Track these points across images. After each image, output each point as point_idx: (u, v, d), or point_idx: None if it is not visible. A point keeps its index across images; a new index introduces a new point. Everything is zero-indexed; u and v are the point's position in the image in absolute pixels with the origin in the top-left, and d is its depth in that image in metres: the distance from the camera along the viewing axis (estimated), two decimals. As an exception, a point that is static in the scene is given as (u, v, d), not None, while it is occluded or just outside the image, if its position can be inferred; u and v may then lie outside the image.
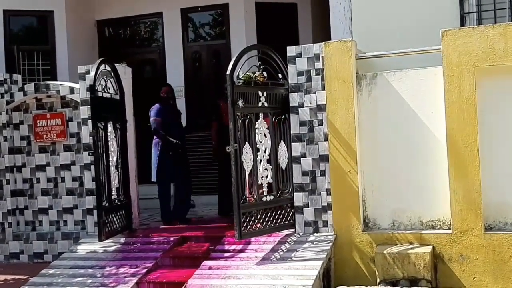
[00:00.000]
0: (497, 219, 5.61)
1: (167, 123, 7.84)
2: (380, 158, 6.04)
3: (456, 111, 5.56)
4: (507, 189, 5.57)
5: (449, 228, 5.68)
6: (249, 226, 6.14)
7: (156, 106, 7.96)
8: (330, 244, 5.97)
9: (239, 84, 6.15)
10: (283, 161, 6.43)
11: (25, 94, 7.99)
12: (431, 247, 5.61)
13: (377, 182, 6.05)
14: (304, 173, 6.32)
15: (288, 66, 6.40)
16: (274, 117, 6.40)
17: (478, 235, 5.48)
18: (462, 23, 6.76)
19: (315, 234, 6.23)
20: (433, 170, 5.80)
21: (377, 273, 5.67)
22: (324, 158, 6.21)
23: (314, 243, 6.08)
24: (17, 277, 7.01)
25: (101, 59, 7.25)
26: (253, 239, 6.38)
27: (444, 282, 5.54)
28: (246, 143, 6.17)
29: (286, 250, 6.11)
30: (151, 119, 7.86)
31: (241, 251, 6.28)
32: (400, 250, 5.61)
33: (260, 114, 6.32)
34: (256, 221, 6.20)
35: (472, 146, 5.51)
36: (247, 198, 6.21)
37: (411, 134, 5.92)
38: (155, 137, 7.88)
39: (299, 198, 6.33)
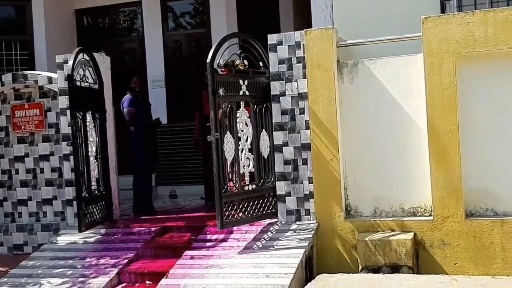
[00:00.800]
0: (478, 205, 5.64)
1: (140, 114, 7.79)
2: (361, 146, 6.04)
3: (437, 98, 5.57)
4: (487, 175, 5.61)
5: (430, 215, 5.70)
6: (231, 216, 6.12)
7: (128, 97, 7.89)
8: (312, 232, 5.96)
9: (220, 68, 6.10)
10: (265, 150, 6.40)
11: (2, 85, 7.85)
12: (412, 233, 5.63)
13: (358, 170, 6.05)
14: (286, 162, 6.30)
15: (269, 54, 6.36)
16: (255, 106, 6.37)
17: (459, 221, 5.51)
18: (443, 10, 6.77)
19: (298, 222, 6.22)
20: (414, 157, 5.82)
21: (359, 260, 5.68)
22: (306, 147, 6.19)
23: (297, 231, 6.07)
24: (-4, 269, 6.93)
25: (79, 48, 7.16)
26: (235, 228, 6.36)
27: (426, 269, 5.57)
28: (228, 132, 6.14)
29: (268, 239, 6.10)
30: (125, 110, 7.79)
31: (223, 240, 6.26)
32: (381, 237, 5.62)
33: (241, 103, 6.28)
34: (238, 210, 6.18)
35: (453, 133, 5.53)
36: (229, 188, 6.18)
37: (392, 121, 5.93)
38: (131, 128, 7.81)
39: (281, 187, 6.31)
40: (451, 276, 5.40)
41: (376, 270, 5.58)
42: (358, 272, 5.65)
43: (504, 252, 5.39)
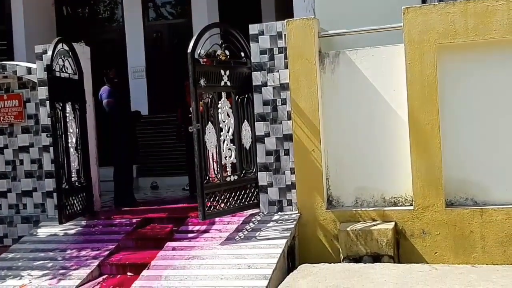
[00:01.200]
0: (458, 195, 5.69)
1: (119, 106, 7.74)
2: (343, 137, 6.05)
3: (418, 88, 5.60)
4: (467, 165, 5.65)
5: (411, 205, 5.74)
6: (213, 207, 6.11)
7: (106, 88, 7.84)
8: (294, 222, 5.97)
9: (202, 59, 6.06)
10: (246, 141, 6.39)
11: (-20, 75, 7.74)
12: (393, 223, 5.67)
13: (340, 161, 6.07)
14: (268, 153, 6.29)
15: (251, 44, 6.33)
16: (237, 97, 6.34)
17: (439, 211, 5.56)
18: (424, 1, 6.79)
19: (280, 213, 6.23)
20: (395, 147, 5.84)
21: (340, 250, 5.71)
22: (288, 137, 6.19)
23: (279, 222, 6.08)
24: (-25, 262, 6.84)
25: (58, 38, 7.06)
26: (217, 219, 6.35)
27: (406, 258, 5.61)
28: (209, 123, 6.12)
29: (250, 229, 6.10)
30: (104, 101, 7.72)
31: (205, 231, 6.25)
32: (363, 227, 5.65)
33: (223, 93, 6.26)
34: (220, 201, 6.17)
35: (433, 124, 5.56)
36: (211, 179, 6.17)
37: (373, 112, 5.94)
38: (112, 118, 7.75)
39: (263, 178, 6.31)
40: (431, 265, 5.45)
41: (357, 259, 5.60)
42: (340, 262, 5.68)
43: (483, 241, 5.45)
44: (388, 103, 5.88)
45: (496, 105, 5.57)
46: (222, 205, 6.19)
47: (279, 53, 6.24)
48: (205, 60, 6.40)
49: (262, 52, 6.29)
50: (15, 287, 5.72)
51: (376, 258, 5.55)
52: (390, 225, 5.62)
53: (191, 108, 6.02)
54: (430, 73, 5.56)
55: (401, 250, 5.67)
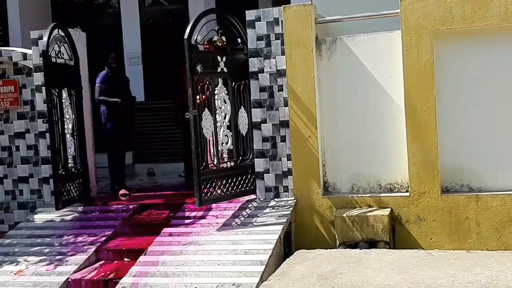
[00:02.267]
0: (454, 181, 5.72)
1: (112, 91, 7.67)
2: (340, 123, 6.06)
3: (414, 75, 5.60)
4: (463, 152, 5.67)
5: (407, 191, 5.76)
6: (209, 193, 6.12)
7: (102, 73, 7.77)
8: (291, 208, 5.99)
9: (199, 45, 6.04)
10: (243, 127, 6.39)
11: (-25, 61, 7.71)
12: (389, 209, 5.69)
13: (336, 147, 6.08)
14: (265, 139, 6.30)
15: (248, 30, 6.31)
16: (234, 83, 6.33)
17: (435, 197, 5.58)
18: (421, -12, 6.76)
19: (276, 199, 6.25)
20: (392, 134, 5.86)
21: (336, 236, 5.74)
22: (285, 124, 6.19)
23: (275, 208, 6.10)
24: (-28, 248, 6.85)
25: (54, 23, 7.02)
26: (213, 205, 6.37)
27: (402, 244, 5.64)
28: (206, 109, 6.11)
29: (247, 215, 6.12)
30: (95, 86, 7.67)
31: (202, 217, 6.27)
32: (359, 213, 5.67)
33: (219, 79, 6.25)
34: (217, 187, 6.18)
35: (430, 110, 5.57)
36: (208, 165, 6.17)
37: (370, 98, 5.95)
38: (101, 105, 7.72)
39: (259, 164, 6.32)
40: (426, 250, 5.48)
41: (353, 245, 5.63)
42: (336, 248, 5.71)
43: (478, 227, 5.48)
44: (385, 90, 5.89)
45: (493, 92, 5.58)
46: (219, 191, 6.20)
47: (276, 39, 6.23)
48: (207, 46, 6.38)
49: (259, 38, 6.27)
50: (12, 273, 5.72)
51: (372, 244, 5.59)
52: (386, 211, 5.65)
53: (187, 94, 6.01)
54: (427, 59, 5.56)
55: (397, 236, 5.70)
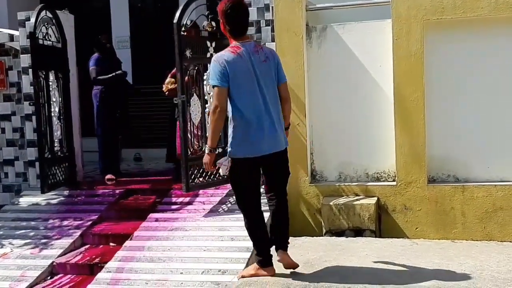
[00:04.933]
0: (440, 172, 5.74)
1: (106, 74, 7.53)
2: (328, 111, 6.05)
3: (404, 64, 5.60)
4: (450, 142, 5.69)
5: (394, 180, 5.78)
6: (196, 179, 6.10)
7: (95, 56, 7.61)
8: (278, 196, 5.98)
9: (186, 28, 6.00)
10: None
11: (-39, 41, 7.60)
12: (375, 198, 5.71)
13: (325, 135, 6.08)
14: (253, 126, 6.26)
15: (238, 16, 6.25)
16: (223, 69, 6.28)
17: (422, 187, 5.61)
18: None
19: (263, 186, 6.23)
20: (380, 123, 5.86)
21: (323, 224, 5.76)
22: (273, 111, 6.16)
23: (262, 195, 6.08)
24: (-45, 230, 6.80)
25: (41, 5, 6.98)
26: (200, 191, 6.37)
27: (388, 232, 5.67)
28: (194, 94, 6.08)
29: (234, 202, 6.10)
30: (90, 68, 7.50)
31: (189, 203, 6.27)
32: (345, 202, 5.69)
33: (208, 65, 6.19)
34: (204, 173, 6.15)
35: (418, 100, 5.58)
36: (195, 151, 6.15)
37: (359, 87, 5.94)
38: (94, 87, 7.57)
39: (247, 151, 6.29)
40: (412, 240, 5.52)
41: (339, 233, 5.66)
42: (322, 236, 5.73)
43: (464, 217, 5.52)
44: (374, 79, 5.88)
45: (481, 83, 5.59)
46: (206, 177, 6.18)
47: (266, 25, 6.21)
48: (190, 30, 6.31)
49: (250, 24, 6.21)
50: (-4, 256, 5.70)
51: (358, 232, 5.61)
52: (373, 200, 5.67)
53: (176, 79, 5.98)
54: (417, 49, 5.56)
55: (383, 225, 5.72)
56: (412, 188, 5.64)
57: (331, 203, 5.70)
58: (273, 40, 6.10)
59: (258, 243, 4.47)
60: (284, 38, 5.98)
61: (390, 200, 5.72)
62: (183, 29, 5.91)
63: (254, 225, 4.45)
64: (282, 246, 4.58)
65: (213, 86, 4.22)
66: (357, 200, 5.72)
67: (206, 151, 4.30)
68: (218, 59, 4.26)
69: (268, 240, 4.53)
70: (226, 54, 4.28)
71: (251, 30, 6.20)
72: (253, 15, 6.20)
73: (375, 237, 5.57)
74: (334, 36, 5.98)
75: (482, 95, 5.60)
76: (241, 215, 5.62)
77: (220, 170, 4.36)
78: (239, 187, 4.43)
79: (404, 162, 5.65)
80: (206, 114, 6.14)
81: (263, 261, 4.46)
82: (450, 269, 4.54)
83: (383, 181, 5.91)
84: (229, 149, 4.31)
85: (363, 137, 5.95)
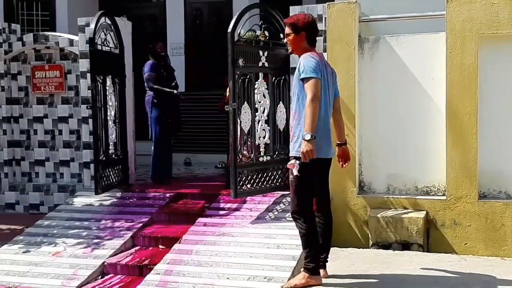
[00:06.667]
0: (491, 187, 5.65)
1: (161, 81, 7.61)
2: (378, 123, 6.03)
3: (457, 78, 5.54)
4: (502, 158, 5.60)
5: (444, 195, 5.72)
6: (244, 185, 6.17)
7: (150, 62, 7.67)
8: (325, 206, 5.99)
9: (241, 42, 6.09)
10: (281, 122, 6.42)
11: (23, 45, 7.92)
12: (424, 212, 5.66)
13: (374, 147, 6.06)
14: (302, 135, 6.30)
15: (290, 26, 6.31)
16: (274, 78, 6.37)
17: (472, 202, 5.53)
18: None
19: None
20: (431, 136, 5.81)
21: (370, 236, 5.74)
22: (323, 121, 6.18)
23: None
24: (12, 227, 7.07)
25: (101, 11, 7.16)
26: (248, 198, 6.43)
27: (436, 247, 5.60)
28: (245, 102, 6.16)
29: (280, 210, 6.17)
30: (145, 75, 7.56)
31: (236, 209, 6.34)
32: (393, 214, 5.66)
33: (260, 74, 6.29)
34: (252, 180, 6.22)
35: (471, 114, 5.51)
36: (244, 158, 6.22)
37: (410, 100, 5.90)
38: (147, 93, 7.65)
39: (295, 160, 6.33)
40: (460, 255, 5.44)
41: (386, 246, 5.62)
42: (368, 248, 5.71)
43: (515, 234, 5.42)
44: (426, 91, 5.84)
45: (537, 99, 5.49)
46: (254, 184, 6.25)
47: (318, 36, 6.21)
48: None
49: (303, 35, 6.27)
50: (50, 253, 5.89)
51: (405, 246, 5.56)
52: (421, 214, 5.62)
53: (228, 88, 6.07)
54: (471, 63, 5.49)
55: (431, 240, 5.67)
56: (462, 203, 5.57)
57: (378, 215, 5.68)
58: (325, 51, 6.13)
59: (315, 249, 4.51)
60: (336, 48, 6.01)
61: (439, 214, 5.65)
62: (236, 38, 6.00)
63: (313, 231, 4.49)
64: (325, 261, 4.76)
65: (309, 79, 4.36)
66: (405, 213, 5.68)
67: (307, 138, 4.26)
68: (314, 57, 4.50)
69: (320, 247, 4.59)
70: (316, 56, 4.53)
71: (303, 40, 6.23)
72: (306, 25, 6.23)
73: (423, 251, 5.52)
74: (386, 48, 5.97)
75: (537, 111, 5.49)
76: (288, 223, 5.70)
77: (294, 170, 4.41)
78: (305, 189, 4.47)
79: (455, 177, 5.58)
80: (256, 122, 6.21)
81: (315, 269, 4.50)
82: (499, 287, 4.46)
83: (433, 195, 5.85)
84: (300, 150, 4.36)
85: (413, 150, 5.91)
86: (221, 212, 6.32)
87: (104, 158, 6.89)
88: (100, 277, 5.55)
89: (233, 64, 5.97)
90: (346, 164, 4.87)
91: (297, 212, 4.51)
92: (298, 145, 4.41)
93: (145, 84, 7.64)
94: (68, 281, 5.36)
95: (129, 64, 7.57)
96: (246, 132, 6.21)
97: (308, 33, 4.64)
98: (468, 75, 5.50)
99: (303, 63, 4.46)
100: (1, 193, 8.02)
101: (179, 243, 5.75)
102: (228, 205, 6.45)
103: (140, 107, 8.00)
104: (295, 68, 6.17)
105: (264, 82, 6.30)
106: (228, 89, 7.93)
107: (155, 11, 10.80)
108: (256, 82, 6.23)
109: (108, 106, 6.97)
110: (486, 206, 5.51)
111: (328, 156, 4.59)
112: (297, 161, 4.39)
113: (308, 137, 4.26)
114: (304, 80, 4.40)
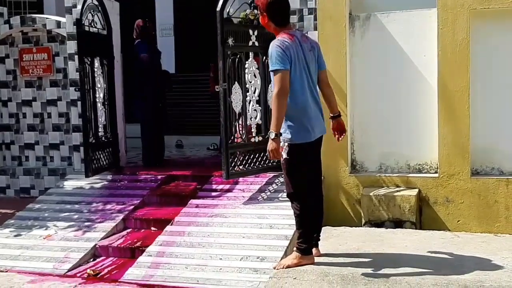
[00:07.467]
0: (484, 164, 5.64)
1: (154, 61, 7.53)
2: (370, 101, 6.00)
3: (449, 54, 5.50)
4: (495, 134, 5.58)
5: (436, 172, 5.70)
6: (236, 166, 6.13)
7: (139, 43, 7.49)
8: (317, 185, 5.98)
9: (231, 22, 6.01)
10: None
11: (10, 27, 7.81)
12: (417, 190, 5.65)
13: (366, 125, 6.03)
14: (293, 114, 6.25)
15: (281, 4, 6.23)
16: (264, 57, 6.29)
17: (465, 179, 5.52)
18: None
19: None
20: (423, 114, 5.79)
21: (362, 214, 5.73)
22: (314, 100, 6.14)
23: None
24: (3, 210, 7.03)
25: (88, -8, 7.04)
26: (240, 179, 6.40)
27: (428, 225, 5.60)
28: (236, 82, 6.10)
29: (273, 190, 6.14)
30: (141, 55, 7.41)
31: (229, 190, 6.31)
32: (386, 193, 5.64)
33: (250, 53, 6.22)
34: (244, 161, 6.19)
35: (463, 91, 5.48)
36: (236, 139, 6.18)
37: (402, 77, 5.86)
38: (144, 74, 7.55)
39: (287, 139, 6.29)
40: (453, 232, 5.44)
41: (379, 224, 5.62)
42: (361, 226, 5.70)
43: (507, 211, 5.42)
44: (418, 69, 5.80)
45: (529, 74, 5.46)
46: (246, 165, 6.21)
47: (308, 14, 6.17)
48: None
49: (292, 13, 6.13)
50: (41, 237, 5.85)
51: (398, 224, 5.56)
52: (414, 192, 5.61)
53: (218, 67, 6.00)
54: (463, 39, 5.45)
55: (424, 217, 5.66)
56: (455, 180, 5.55)
57: (371, 194, 5.67)
58: (315, 29, 6.07)
59: (309, 230, 4.49)
60: (326, 26, 5.94)
61: (432, 192, 5.64)
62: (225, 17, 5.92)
63: (307, 212, 4.44)
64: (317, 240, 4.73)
65: (275, 71, 4.20)
66: (397, 191, 5.66)
67: (271, 137, 4.16)
68: (280, 44, 4.25)
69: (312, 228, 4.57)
70: (285, 39, 4.28)
71: (293, 19, 6.17)
72: (296, 3, 6.17)
73: (416, 229, 5.51)
74: (377, 25, 5.91)
75: (529, 86, 5.46)
76: (280, 204, 5.69)
77: (283, 153, 4.34)
78: (296, 173, 4.41)
79: (447, 154, 5.56)
80: (247, 103, 6.16)
81: (307, 249, 4.49)
82: (492, 263, 4.46)
83: (425, 172, 5.83)
84: (286, 135, 4.30)
85: (405, 128, 5.89)
86: (214, 194, 6.29)
87: (93, 141, 6.84)
88: (92, 259, 5.52)
89: (222, 43, 5.89)
90: (342, 136, 4.73)
91: (292, 194, 4.47)
92: (284, 129, 4.33)
93: (139, 64, 7.46)
94: (59, 264, 5.32)
95: (117, 46, 7.48)
96: (237, 112, 6.16)
97: (270, 14, 4.39)
98: (460, 51, 5.46)
99: (270, 52, 4.27)
100: (-9, 177, 7.96)
101: (171, 225, 5.72)
102: (221, 187, 6.42)
103: (128, 89, 7.90)
104: (286, 46, 6.18)
105: (255, 62, 6.23)
106: (212, 72, 7.87)
107: (144, -9, 10.66)
108: (247, 62, 6.16)
109: (96, 88, 6.90)
110: (479, 183, 5.50)
111: (311, 139, 4.39)
112: (285, 143, 4.33)
113: (272, 135, 4.17)
114: (272, 72, 4.26)
